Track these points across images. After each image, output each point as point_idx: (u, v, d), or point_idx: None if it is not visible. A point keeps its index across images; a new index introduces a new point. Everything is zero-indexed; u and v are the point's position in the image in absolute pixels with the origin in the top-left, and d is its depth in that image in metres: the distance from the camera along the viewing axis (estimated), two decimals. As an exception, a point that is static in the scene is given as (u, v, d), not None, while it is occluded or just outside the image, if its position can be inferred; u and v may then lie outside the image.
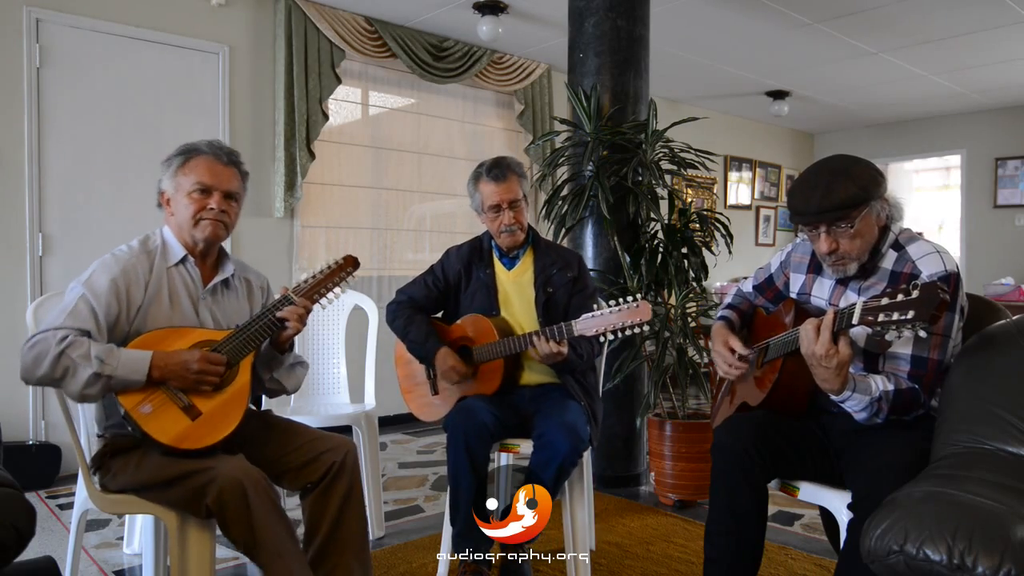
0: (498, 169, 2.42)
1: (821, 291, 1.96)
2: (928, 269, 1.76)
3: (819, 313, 1.90)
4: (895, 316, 1.49)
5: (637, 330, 2.12)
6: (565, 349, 2.21)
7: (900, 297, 1.50)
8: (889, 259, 1.83)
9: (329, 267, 2.03)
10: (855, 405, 1.72)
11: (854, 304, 1.59)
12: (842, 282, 1.90)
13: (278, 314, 1.91)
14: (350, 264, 2.04)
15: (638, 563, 2.66)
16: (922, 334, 1.51)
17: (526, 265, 2.51)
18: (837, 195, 1.73)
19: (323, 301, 2.01)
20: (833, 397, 1.72)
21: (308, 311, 1.95)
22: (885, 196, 1.80)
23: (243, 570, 2.59)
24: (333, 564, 1.88)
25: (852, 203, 1.73)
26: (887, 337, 1.54)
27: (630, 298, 2.13)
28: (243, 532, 1.69)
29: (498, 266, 2.52)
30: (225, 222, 1.97)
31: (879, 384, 1.71)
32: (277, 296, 1.98)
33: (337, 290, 2.02)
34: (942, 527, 1.30)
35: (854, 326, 1.59)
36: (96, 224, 3.90)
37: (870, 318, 1.54)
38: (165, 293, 1.91)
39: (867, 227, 1.78)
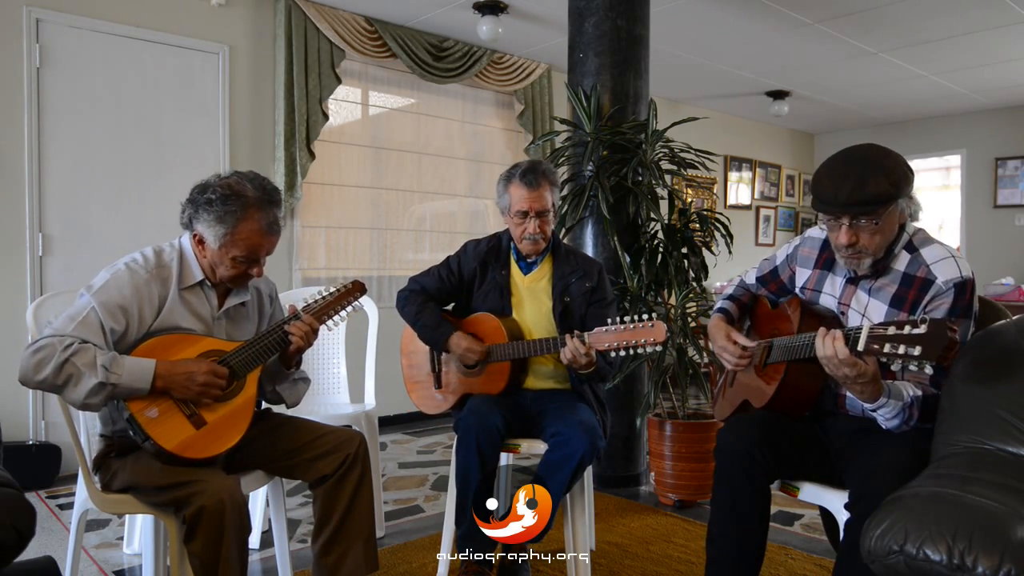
0: (532, 175, 2.37)
1: (832, 288, 1.93)
2: (943, 275, 1.73)
3: (827, 312, 1.90)
4: (901, 350, 1.46)
5: (649, 349, 2.10)
6: (594, 354, 2.20)
7: (907, 329, 1.46)
8: (902, 261, 1.80)
9: (338, 290, 2.08)
10: (889, 412, 1.67)
11: (860, 329, 1.56)
12: (852, 281, 1.87)
13: (287, 329, 1.95)
14: (358, 290, 2.11)
15: (638, 563, 2.66)
16: (928, 371, 1.48)
17: (544, 272, 2.49)
18: (869, 189, 1.67)
19: (329, 323, 2.06)
20: (868, 406, 1.68)
21: (315, 330, 2.00)
22: (907, 199, 1.76)
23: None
24: (342, 551, 1.92)
25: (882, 200, 1.68)
26: (892, 368, 1.51)
27: (645, 316, 2.12)
28: (207, 553, 1.68)
29: (514, 269, 2.50)
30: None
31: (909, 390, 1.69)
32: (285, 313, 2.01)
33: (343, 313, 2.08)
34: (942, 527, 1.30)
35: (860, 352, 1.55)
36: (96, 224, 3.90)
37: (875, 347, 1.51)
38: (178, 315, 1.88)
39: (890, 224, 1.74)
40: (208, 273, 1.94)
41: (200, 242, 1.90)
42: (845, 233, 1.74)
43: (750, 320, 2.18)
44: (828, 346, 1.60)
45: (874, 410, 1.69)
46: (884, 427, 1.74)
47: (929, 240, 1.82)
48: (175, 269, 1.90)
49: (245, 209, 1.86)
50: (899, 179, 1.70)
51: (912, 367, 1.47)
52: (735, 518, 1.82)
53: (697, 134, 4.42)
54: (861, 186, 1.68)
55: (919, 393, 1.70)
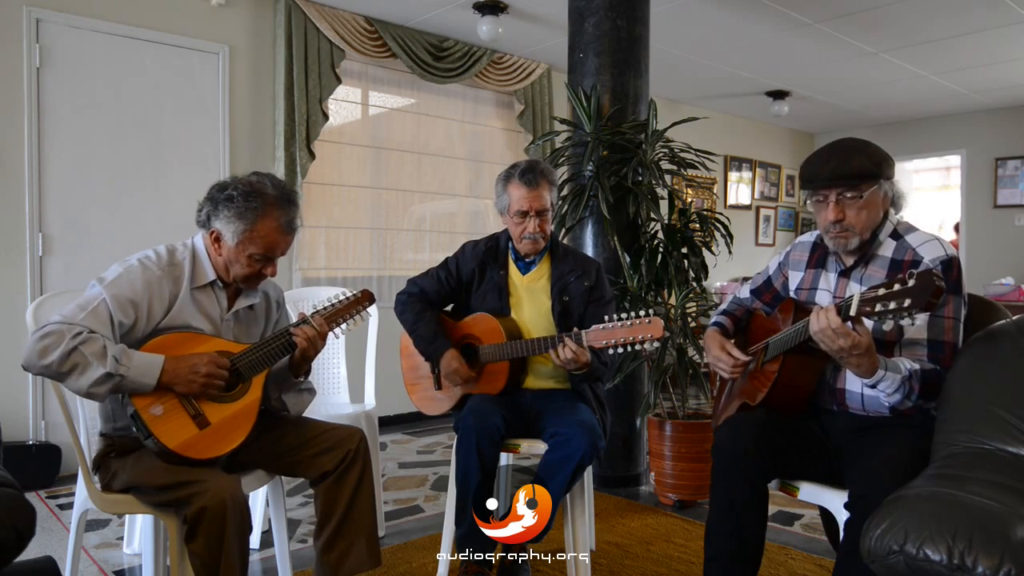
0: (531, 174, 2.38)
1: (826, 284, 1.97)
2: (929, 255, 1.80)
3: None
4: (892, 305, 1.50)
5: (647, 345, 2.11)
6: (587, 356, 2.20)
7: (897, 287, 1.51)
8: (888, 247, 1.87)
9: (347, 298, 2.09)
10: (888, 387, 1.69)
11: (851, 297, 1.60)
12: (844, 273, 1.93)
13: (293, 331, 1.95)
14: (367, 299, 2.13)
15: (638, 563, 2.66)
16: (918, 320, 1.52)
17: (542, 271, 2.49)
18: (853, 164, 1.80)
19: (337, 331, 2.07)
20: (866, 382, 1.71)
21: (323, 335, 2.00)
22: (893, 180, 1.86)
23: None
24: (345, 547, 1.93)
25: (865, 175, 1.79)
26: (884, 327, 1.55)
27: (642, 312, 2.13)
28: (208, 553, 1.68)
29: (512, 268, 2.50)
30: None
31: (906, 363, 1.71)
32: (294, 318, 2.03)
33: (351, 322, 2.09)
34: (942, 527, 1.30)
35: (852, 318, 1.60)
36: (96, 224, 3.90)
37: (867, 309, 1.55)
38: (188, 314, 1.89)
39: (873, 203, 1.83)
40: (222, 272, 1.94)
41: (217, 240, 1.91)
42: (832, 209, 1.83)
43: (746, 334, 2.20)
44: (821, 319, 1.64)
45: (873, 385, 1.70)
46: (887, 404, 1.76)
47: (913, 228, 1.91)
48: (187, 268, 1.91)
49: (265, 207, 1.88)
50: (880, 160, 1.83)
51: (904, 320, 1.51)
52: (733, 517, 1.83)
53: (697, 134, 4.42)
54: (845, 162, 1.80)
55: (916, 367, 1.72)
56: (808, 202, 1.93)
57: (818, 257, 2.02)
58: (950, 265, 1.77)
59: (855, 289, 1.88)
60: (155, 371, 1.74)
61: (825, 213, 1.84)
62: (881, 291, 1.54)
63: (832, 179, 1.80)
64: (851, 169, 1.79)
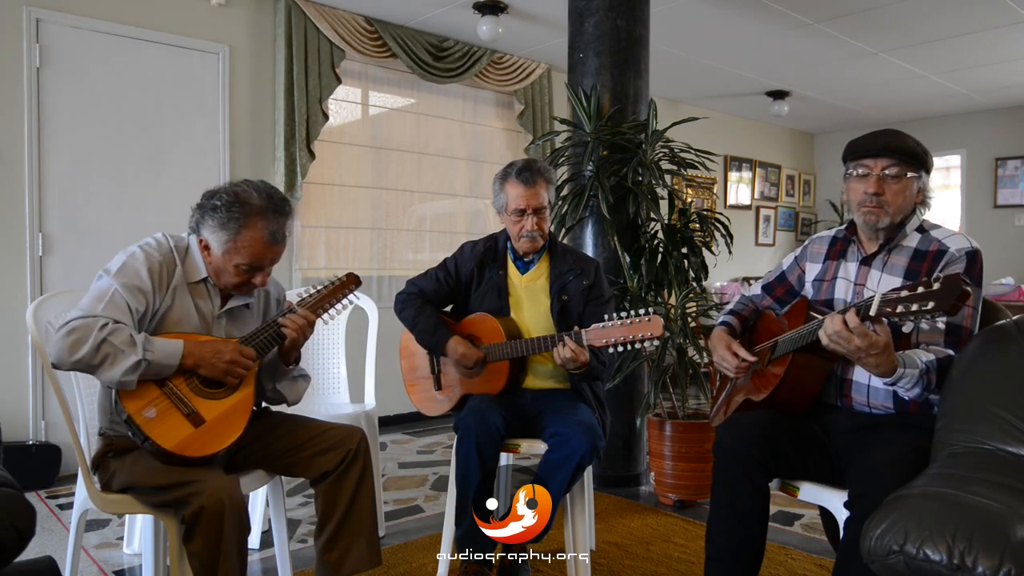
0: (528, 172, 2.38)
1: (846, 273, 1.98)
2: (955, 245, 1.83)
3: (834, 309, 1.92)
4: (914, 307, 1.50)
5: (647, 344, 2.11)
6: (586, 355, 2.20)
7: (920, 289, 1.51)
8: (914, 239, 1.90)
9: (332, 283, 2.09)
10: (908, 383, 1.69)
11: (871, 298, 1.60)
12: (865, 261, 1.94)
13: (280, 321, 1.95)
14: (352, 282, 2.12)
15: (638, 563, 2.66)
16: (940, 324, 1.51)
17: (541, 270, 2.49)
18: (907, 143, 1.86)
19: (325, 317, 2.06)
20: (885, 381, 1.71)
21: (311, 323, 2.00)
22: (929, 178, 1.92)
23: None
24: (345, 546, 1.93)
25: (913, 156, 1.85)
26: (904, 329, 1.54)
27: (642, 311, 2.13)
28: (207, 553, 1.69)
29: (511, 268, 2.50)
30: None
31: (922, 356, 1.72)
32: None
33: (339, 306, 2.09)
34: (942, 527, 1.30)
35: (872, 318, 1.59)
36: (96, 224, 3.90)
37: (888, 310, 1.55)
38: (181, 307, 1.90)
39: (910, 189, 1.87)
40: (213, 278, 1.95)
41: (206, 248, 1.92)
42: (874, 182, 1.86)
43: (752, 335, 2.20)
44: (837, 321, 1.64)
45: (893, 383, 1.70)
46: (906, 398, 1.77)
47: (937, 225, 1.94)
48: (182, 262, 1.92)
49: (248, 217, 1.87)
50: (926, 151, 1.90)
51: (924, 324, 1.52)
52: (734, 517, 1.83)
53: (697, 134, 4.42)
54: (899, 138, 1.87)
55: (932, 358, 1.72)
56: (846, 178, 1.94)
57: (839, 249, 2.03)
58: (975, 257, 1.81)
59: (876, 277, 1.89)
60: (177, 353, 1.77)
61: (864, 185, 1.87)
62: (904, 293, 1.54)
63: (884, 150, 1.85)
64: (905, 145, 1.85)
